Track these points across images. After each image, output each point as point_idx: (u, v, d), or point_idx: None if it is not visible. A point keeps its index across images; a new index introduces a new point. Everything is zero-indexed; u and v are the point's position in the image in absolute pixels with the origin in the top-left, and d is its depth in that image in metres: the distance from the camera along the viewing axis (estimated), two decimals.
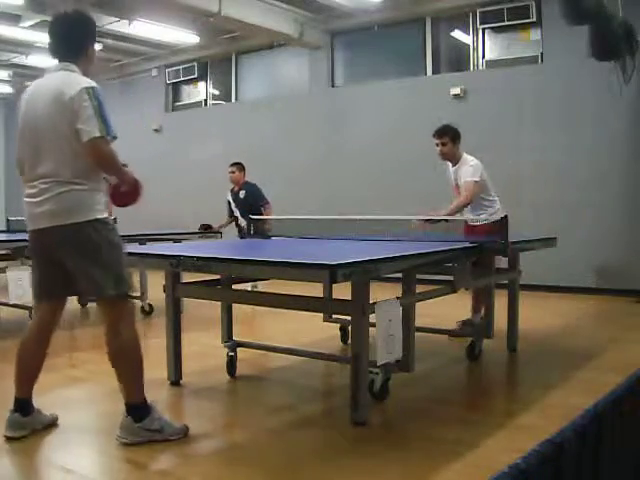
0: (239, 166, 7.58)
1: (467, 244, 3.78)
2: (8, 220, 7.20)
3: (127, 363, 2.78)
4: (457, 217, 4.81)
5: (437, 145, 5.06)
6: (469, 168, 4.90)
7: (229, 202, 7.56)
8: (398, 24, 9.17)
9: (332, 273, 2.58)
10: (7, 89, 13.33)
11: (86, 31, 2.93)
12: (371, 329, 3.04)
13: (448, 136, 5.03)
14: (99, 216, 2.74)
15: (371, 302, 3.03)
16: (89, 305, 6.99)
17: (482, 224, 4.68)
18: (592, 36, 6.06)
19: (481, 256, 3.89)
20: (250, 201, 7.32)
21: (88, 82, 2.69)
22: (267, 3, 8.70)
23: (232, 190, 7.59)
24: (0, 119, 14.52)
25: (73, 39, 2.86)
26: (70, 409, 3.39)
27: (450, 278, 3.80)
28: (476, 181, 4.84)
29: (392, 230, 4.38)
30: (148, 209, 10.61)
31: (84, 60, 2.86)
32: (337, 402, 3.62)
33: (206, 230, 7.25)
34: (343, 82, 9.96)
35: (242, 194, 7.46)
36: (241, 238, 6.79)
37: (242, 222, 7.29)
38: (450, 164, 5.16)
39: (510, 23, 8.15)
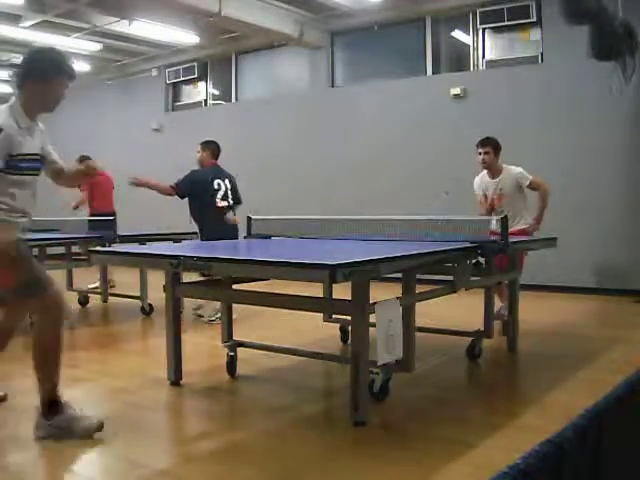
0: (202, 144, 6.17)
1: (467, 244, 3.77)
2: None
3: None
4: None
5: (479, 154, 5.42)
6: (520, 174, 5.33)
7: None
8: (398, 24, 9.16)
9: (332, 273, 2.58)
10: (7, 89, 13.32)
11: (29, 67, 2.89)
12: (371, 329, 3.04)
13: (490, 146, 5.39)
14: None
15: (371, 302, 3.03)
16: (89, 305, 7.00)
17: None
18: (592, 36, 6.05)
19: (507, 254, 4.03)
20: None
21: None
22: (267, 3, 8.70)
23: None
24: None
25: (20, 73, 2.89)
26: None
27: (450, 278, 3.80)
28: (533, 179, 5.32)
29: (392, 230, 4.38)
30: (148, 209, 10.65)
31: (25, 95, 2.87)
32: (337, 402, 3.62)
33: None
34: (343, 82, 9.96)
35: None
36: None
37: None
38: (487, 175, 5.50)
39: (510, 23, 8.14)
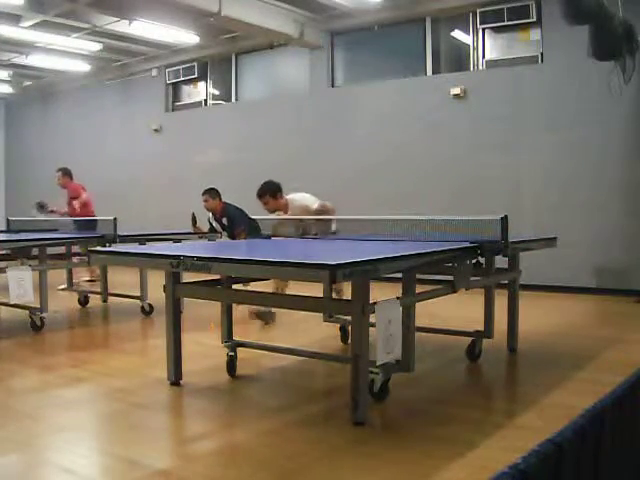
0: (210, 193, 7.04)
1: (467, 244, 3.77)
2: (8, 220, 7.19)
3: None
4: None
5: None
6: None
7: (211, 224, 7.06)
8: (398, 24, 9.17)
9: (332, 273, 2.58)
10: (7, 89, 13.33)
11: None
12: (371, 329, 3.04)
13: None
14: None
15: (371, 302, 3.03)
16: (89, 305, 7.00)
17: None
18: (592, 36, 6.05)
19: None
20: (232, 226, 6.91)
21: None
22: (267, 3, 8.70)
23: (214, 215, 7.11)
24: (0, 119, 14.53)
25: None
26: (70, 409, 3.39)
27: (450, 278, 3.80)
28: None
29: (392, 230, 4.38)
30: (148, 209, 10.63)
31: None
32: (337, 402, 3.62)
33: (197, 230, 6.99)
34: (343, 82, 9.96)
35: (225, 221, 7.01)
36: None
37: None
38: None
39: (510, 23, 8.15)
